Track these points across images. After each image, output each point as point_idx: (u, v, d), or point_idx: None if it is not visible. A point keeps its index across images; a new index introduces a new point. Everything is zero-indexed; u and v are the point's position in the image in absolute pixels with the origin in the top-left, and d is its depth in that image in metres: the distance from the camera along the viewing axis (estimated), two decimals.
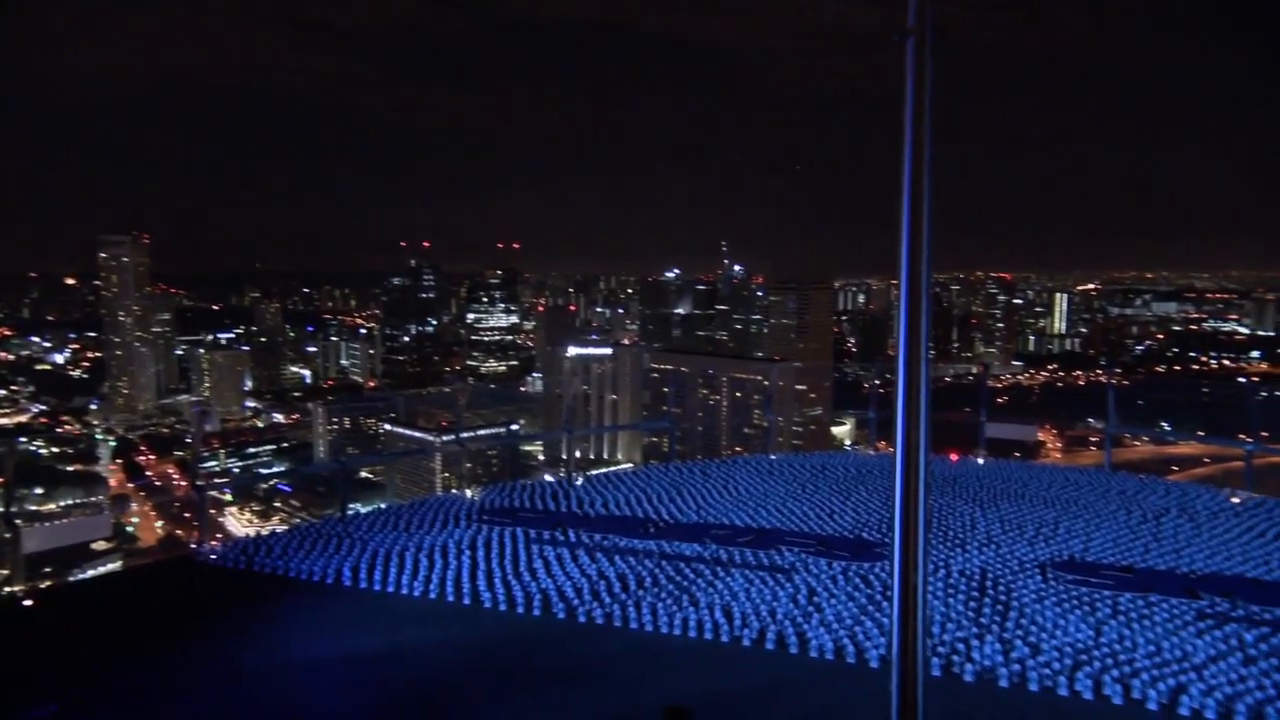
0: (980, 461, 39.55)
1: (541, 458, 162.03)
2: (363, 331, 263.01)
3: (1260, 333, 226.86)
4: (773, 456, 40.96)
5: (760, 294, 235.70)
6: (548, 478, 39.76)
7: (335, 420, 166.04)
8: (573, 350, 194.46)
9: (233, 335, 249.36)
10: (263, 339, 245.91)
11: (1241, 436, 37.04)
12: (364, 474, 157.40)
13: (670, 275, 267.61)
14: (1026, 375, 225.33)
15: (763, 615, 20.50)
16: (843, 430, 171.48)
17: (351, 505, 42.75)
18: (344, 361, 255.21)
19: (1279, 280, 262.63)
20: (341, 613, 21.56)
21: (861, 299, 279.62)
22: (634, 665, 18.45)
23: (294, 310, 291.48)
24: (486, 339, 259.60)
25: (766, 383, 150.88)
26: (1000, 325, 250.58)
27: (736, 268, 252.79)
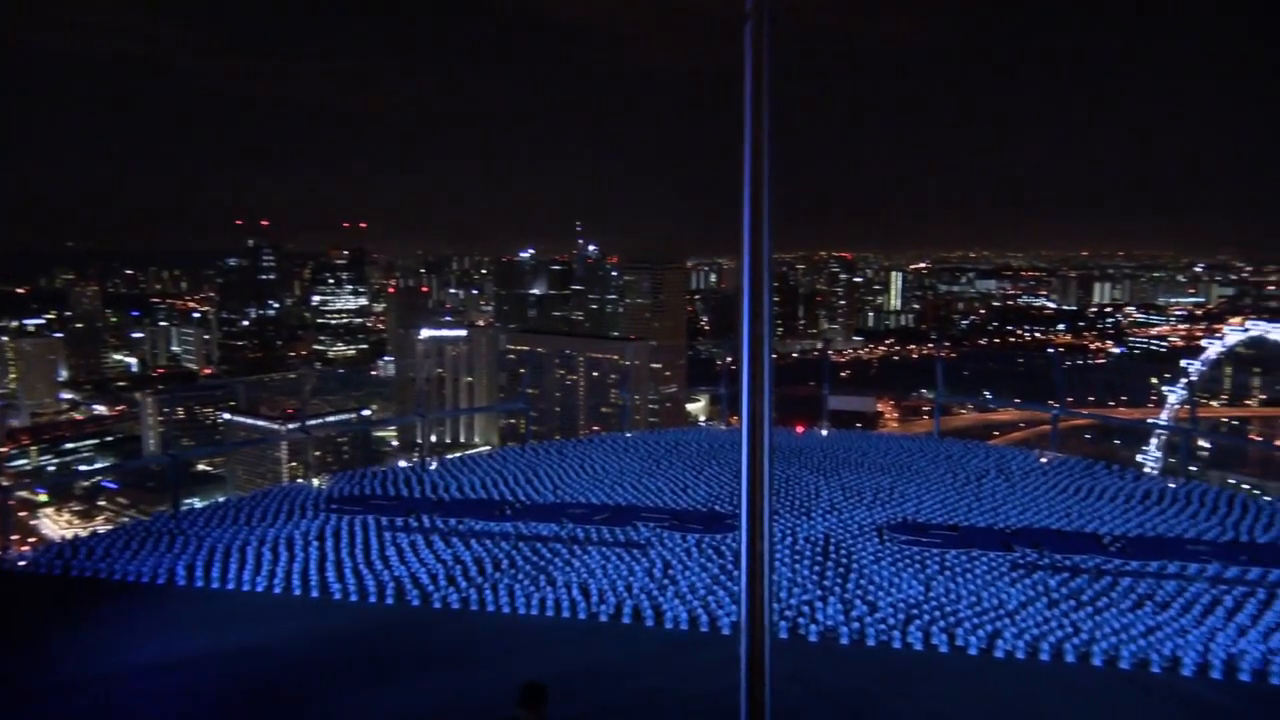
0: (824, 433, 41.57)
1: (395, 443, 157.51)
2: (196, 315, 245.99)
3: (1065, 307, 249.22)
4: (628, 434, 41.52)
5: (615, 274, 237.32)
6: (402, 463, 38.73)
7: (167, 411, 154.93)
8: (426, 332, 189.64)
9: (42, 321, 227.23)
10: (79, 325, 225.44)
11: (1050, 402, 40.61)
12: (201, 467, 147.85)
13: (525, 255, 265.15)
14: (867, 350, 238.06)
15: (619, 590, 20.85)
16: (697, 406, 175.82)
17: (187, 500, 40.13)
18: (175, 348, 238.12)
19: (1081, 259, 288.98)
20: (175, 614, 20.28)
21: (714, 278, 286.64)
22: (492, 647, 18.37)
23: (116, 293, 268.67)
24: (334, 322, 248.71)
25: (624, 362, 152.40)
26: (842, 303, 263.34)
27: (591, 248, 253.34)
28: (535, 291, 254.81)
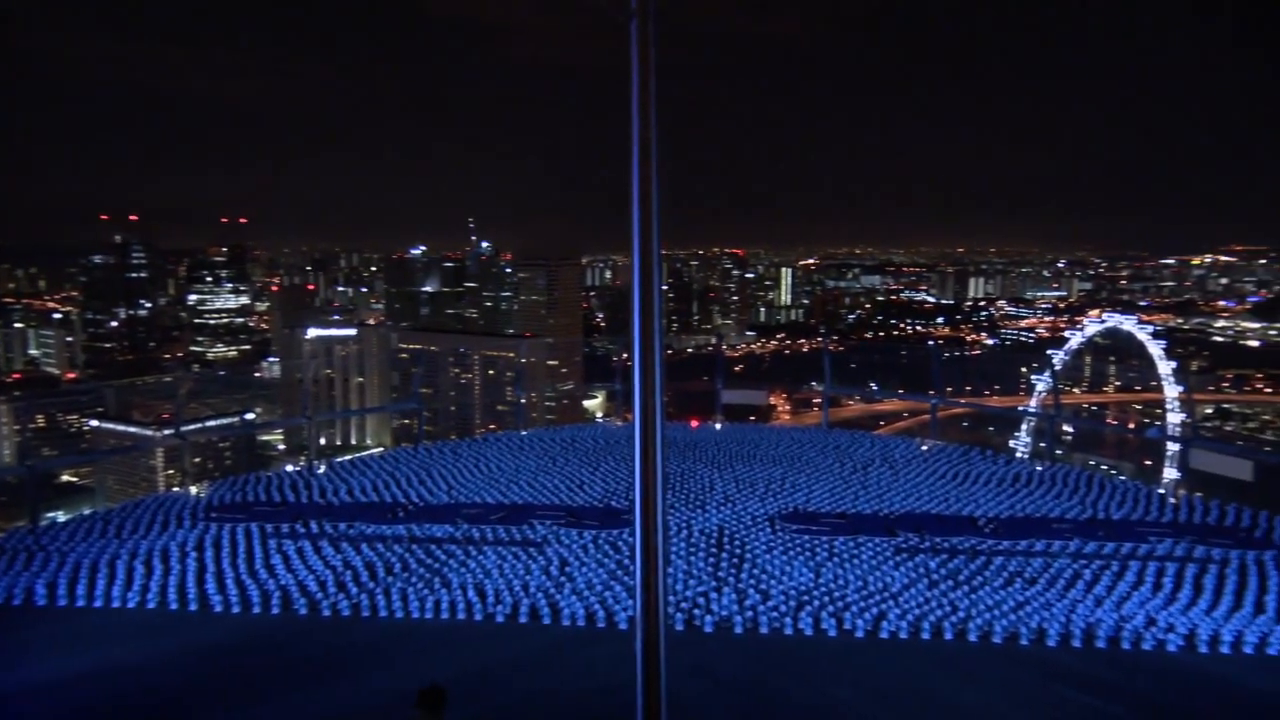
0: (718, 426, 42.30)
1: (282, 447, 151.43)
2: (57, 316, 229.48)
3: (943, 301, 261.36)
4: (524, 433, 41.20)
5: (509, 271, 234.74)
6: (289, 468, 37.30)
7: (24, 418, 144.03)
8: (313, 332, 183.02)
9: None
10: None
11: (931, 392, 42.53)
12: (66, 477, 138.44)
13: (416, 252, 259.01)
14: (759, 344, 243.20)
15: (515, 590, 20.70)
16: (594, 403, 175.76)
17: (49, 514, 37.49)
18: (33, 351, 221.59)
19: (957, 256, 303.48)
20: (36, 635, 18.94)
21: (609, 275, 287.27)
22: (385, 653, 17.93)
23: None
24: (213, 322, 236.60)
25: (519, 359, 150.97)
26: (735, 298, 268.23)
27: (484, 244, 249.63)
28: (427, 289, 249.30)
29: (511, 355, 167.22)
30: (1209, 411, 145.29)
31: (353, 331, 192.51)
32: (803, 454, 35.99)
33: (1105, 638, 18.42)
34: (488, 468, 33.82)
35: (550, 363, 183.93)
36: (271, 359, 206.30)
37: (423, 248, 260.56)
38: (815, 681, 16.88)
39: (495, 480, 31.82)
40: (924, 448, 37.37)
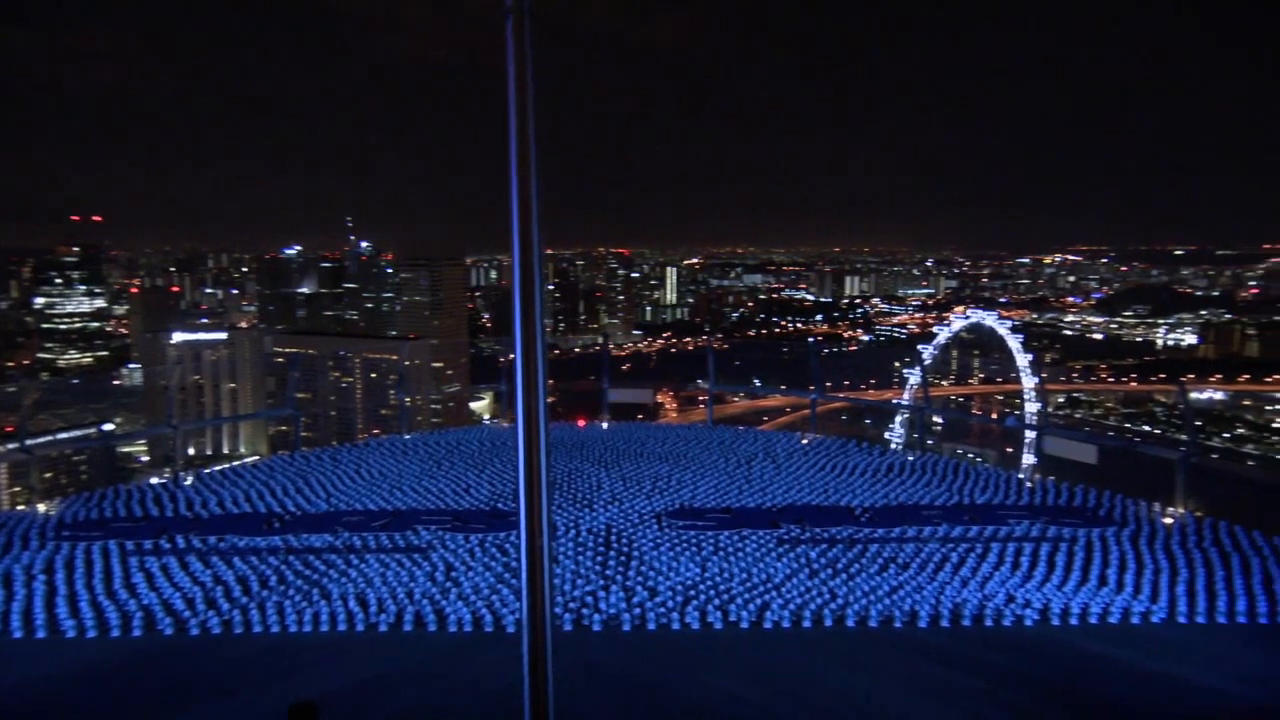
0: (605, 426, 42.48)
1: (146, 459, 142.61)
2: None
3: (822, 299, 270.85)
4: (407, 436, 40.24)
5: (390, 271, 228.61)
6: (153, 480, 35.15)
7: None
8: (179, 336, 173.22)
9: None
10: None
11: (811, 388, 43.96)
12: None
13: (291, 252, 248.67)
14: (646, 343, 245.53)
15: (399, 598, 20.21)
16: (481, 405, 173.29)
17: None
18: None
19: (834, 255, 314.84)
20: None
21: (494, 275, 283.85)
22: (258, 671, 17.16)
23: None
24: (64, 327, 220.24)
25: (402, 362, 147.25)
26: (621, 298, 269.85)
27: (363, 244, 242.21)
28: (304, 290, 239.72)
29: (394, 358, 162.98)
30: (1061, 400, 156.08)
31: (223, 335, 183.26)
32: (689, 451, 36.57)
33: (970, 616, 19.54)
34: (370, 473, 32.86)
35: (435, 364, 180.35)
36: (132, 365, 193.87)
37: (298, 247, 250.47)
38: (702, 674, 17.20)
39: (378, 486, 30.95)
40: (804, 441, 38.59)
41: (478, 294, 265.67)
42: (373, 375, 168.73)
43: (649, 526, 26.14)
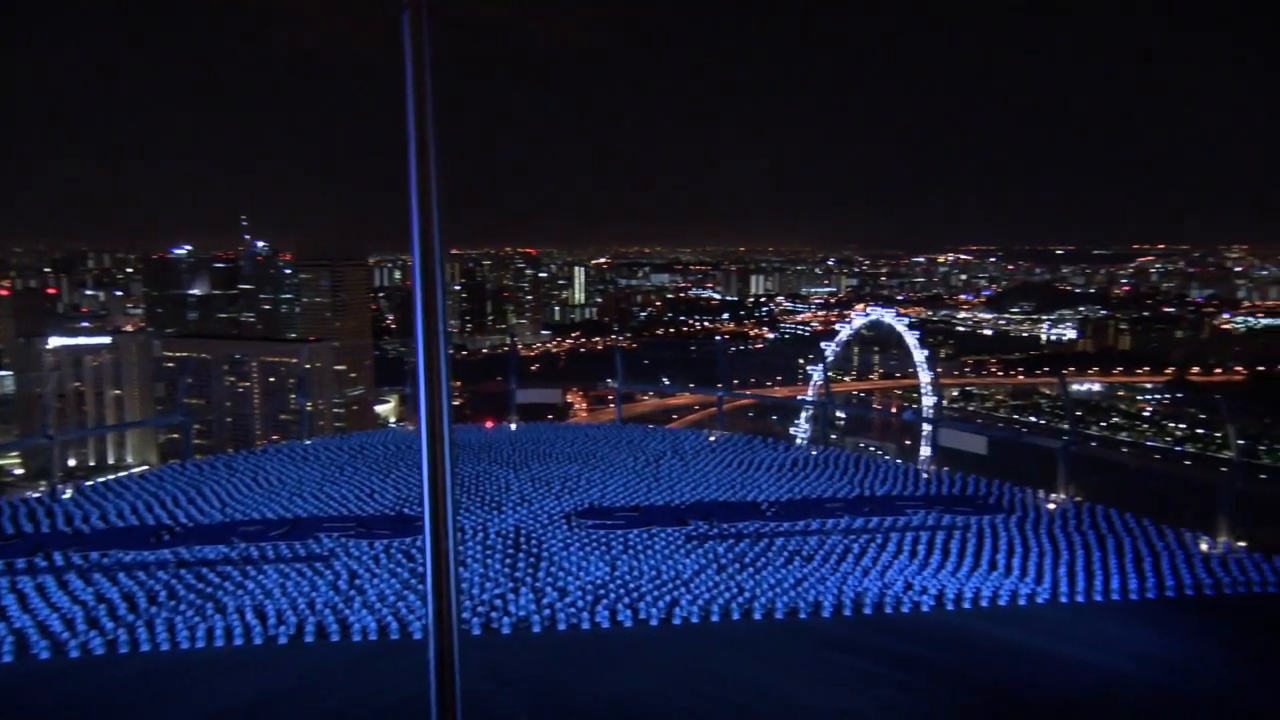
0: (513, 427, 42.11)
1: (20, 471, 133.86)
2: None
3: (728, 298, 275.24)
4: (308, 441, 38.97)
5: (289, 272, 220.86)
6: (29, 494, 33.02)
7: None
8: (56, 341, 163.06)
9: None
10: None
11: (719, 386, 44.61)
12: None
13: (180, 252, 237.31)
14: (555, 343, 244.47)
15: (300, 608, 19.56)
16: (387, 408, 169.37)
17: None
18: None
19: (739, 254, 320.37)
20: None
21: (398, 275, 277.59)
22: (145, 691, 16.33)
23: None
24: None
25: (302, 365, 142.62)
26: (529, 297, 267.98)
27: (259, 244, 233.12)
28: (195, 292, 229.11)
29: (294, 361, 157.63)
30: (955, 394, 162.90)
31: (106, 340, 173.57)
32: (598, 450, 36.60)
33: (871, 605, 20.21)
34: (268, 481, 31.69)
35: (338, 367, 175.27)
36: (3, 372, 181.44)
37: (188, 247, 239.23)
38: (612, 673, 17.26)
39: (276, 494, 29.87)
40: (712, 439, 39.14)
41: (381, 295, 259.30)
42: (271, 379, 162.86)
43: (558, 527, 26.06)
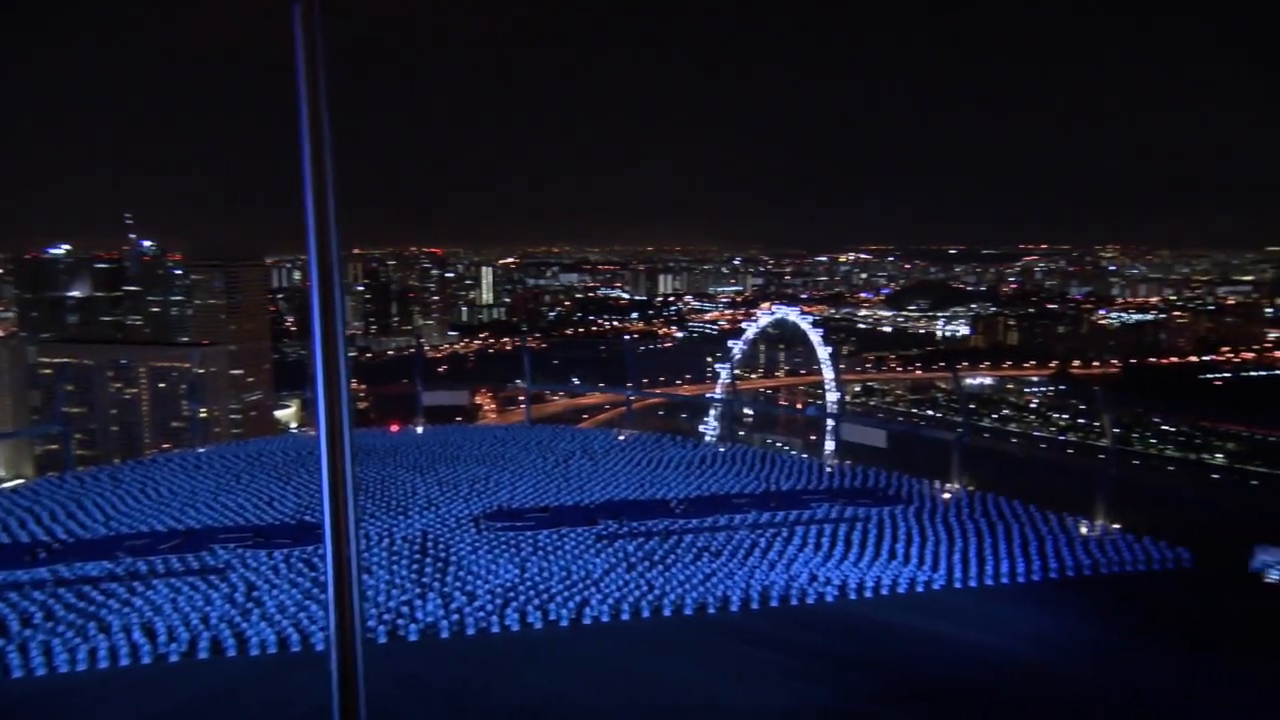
0: (420, 430, 41.30)
1: None
2: None
3: (637, 298, 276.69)
4: (201, 449, 37.32)
5: (179, 273, 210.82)
6: None
7: None
8: None
9: None
10: None
11: (629, 385, 44.79)
12: None
13: (57, 252, 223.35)
14: (463, 344, 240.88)
15: (193, 624, 18.71)
16: (287, 413, 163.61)
17: None
18: None
19: (648, 254, 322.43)
20: None
21: (297, 275, 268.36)
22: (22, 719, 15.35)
23: None
24: None
25: (196, 370, 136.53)
26: (435, 298, 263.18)
27: (145, 243, 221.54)
28: (75, 294, 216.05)
29: (186, 365, 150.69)
30: (858, 389, 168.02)
31: None
32: (506, 452, 36.26)
33: (778, 597, 20.66)
34: (158, 492, 30.19)
35: (234, 372, 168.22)
36: None
37: (65, 247, 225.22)
38: (522, 675, 17.14)
39: (167, 505, 28.48)
40: (621, 438, 39.29)
41: (280, 296, 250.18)
42: (161, 385, 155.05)
43: (466, 530, 25.70)
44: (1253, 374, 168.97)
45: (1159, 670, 17.72)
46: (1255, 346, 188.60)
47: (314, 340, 3.69)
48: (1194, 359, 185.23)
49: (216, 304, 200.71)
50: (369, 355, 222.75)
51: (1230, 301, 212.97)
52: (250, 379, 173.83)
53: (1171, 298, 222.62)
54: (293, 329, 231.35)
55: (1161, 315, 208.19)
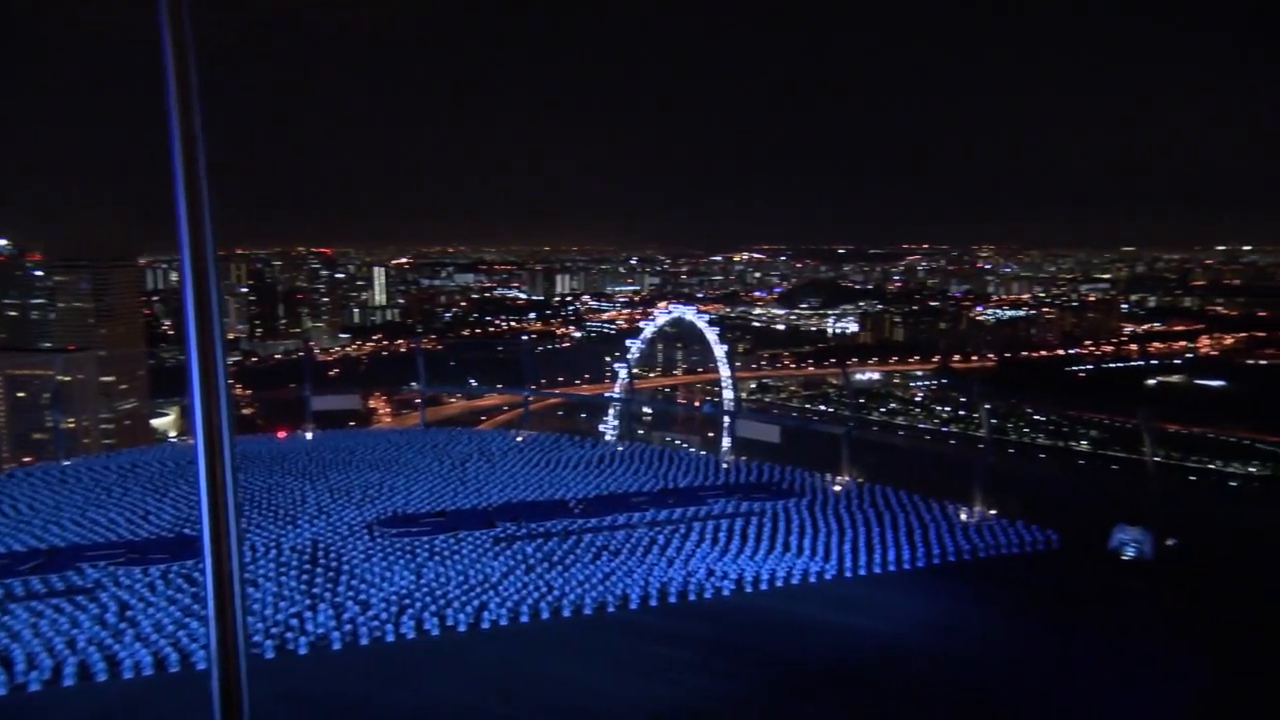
0: (309, 436, 39.88)
1: None
2: None
3: (534, 298, 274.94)
4: (66, 462, 34.99)
5: (40, 274, 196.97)
6: None
7: None
8: None
9: None
10: None
11: (532, 386, 44.42)
12: None
13: None
14: (355, 346, 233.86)
15: (57, 649, 17.50)
16: (166, 421, 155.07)
17: None
18: None
19: (545, 254, 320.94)
20: None
21: (174, 277, 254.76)
22: None
23: None
24: None
25: (60, 377, 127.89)
26: (325, 300, 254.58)
27: (0, 241, 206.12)
28: None
29: (49, 373, 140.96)
30: (753, 386, 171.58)
31: None
32: (401, 456, 35.43)
33: (676, 593, 20.90)
34: (16, 509, 28.12)
35: (105, 379, 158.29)
36: None
37: None
38: (419, 683, 16.79)
39: (27, 523, 26.55)
40: (519, 439, 38.95)
41: (155, 298, 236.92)
42: (21, 394, 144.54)
43: (359, 538, 24.98)
44: (1112, 365, 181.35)
45: (1033, 646, 18.82)
46: (1114, 340, 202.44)
47: (189, 344, 3.54)
48: (1060, 352, 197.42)
49: (83, 307, 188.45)
50: (255, 359, 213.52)
51: (1091, 298, 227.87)
52: (123, 386, 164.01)
53: (1041, 295, 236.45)
54: (170, 333, 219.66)
55: (1032, 311, 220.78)
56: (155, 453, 38.28)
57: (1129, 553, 24.49)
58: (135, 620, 18.92)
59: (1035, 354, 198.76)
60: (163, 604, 19.86)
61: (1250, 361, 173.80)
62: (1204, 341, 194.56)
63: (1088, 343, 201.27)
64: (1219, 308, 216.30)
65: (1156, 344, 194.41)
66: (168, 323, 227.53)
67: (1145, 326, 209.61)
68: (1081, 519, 27.06)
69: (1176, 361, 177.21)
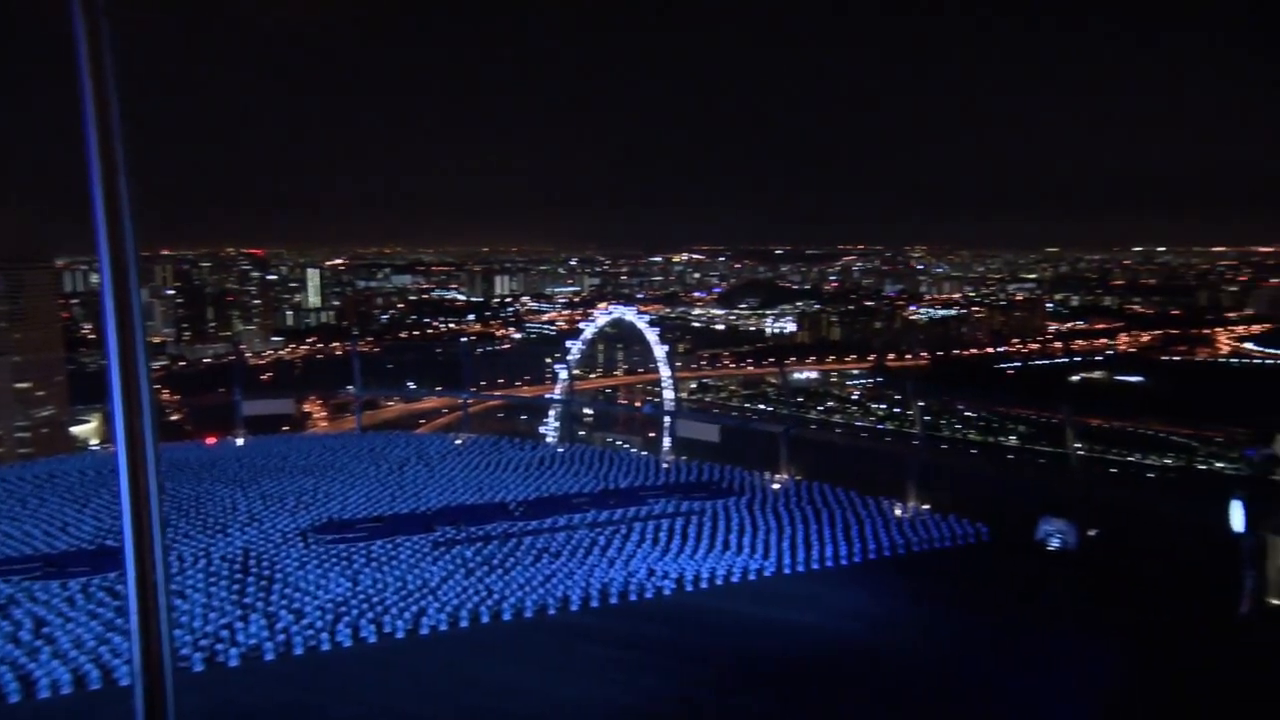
0: (240, 442, 38.79)
1: None
2: None
3: (473, 299, 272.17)
4: None
5: None
6: None
7: None
8: None
9: None
10: None
11: (471, 388, 43.96)
12: None
13: None
14: (289, 350, 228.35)
15: None
16: (87, 428, 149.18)
17: None
18: None
19: (483, 255, 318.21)
20: None
21: (94, 279, 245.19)
22: None
23: None
24: None
25: None
26: (257, 302, 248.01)
27: None
28: None
29: None
30: (694, 386, 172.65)
31: None
32: (336, 461, 34.73)
33: (617, 594, 20.91)
34: None
35: (19, 385, 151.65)
36: None
37: None
38: (355, 692, 16.48)
39: None
40: (458, 442, 38.51)
41: (74, 301, 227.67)
42: None
43: (293, 545, 24.40)
44: (1038, 363, 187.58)
45: (967, 636, 19.33)
46: (1039, 338, 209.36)
47: (109, 348, 3.45)
48: (990, 350, 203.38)
49: None
50: (183, 363, 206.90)
51: (1018, 297, 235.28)
52: (40, 393, 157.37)
53: (971, 294, 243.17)
54: (90, 337, 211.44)
55: (963, 311, 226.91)
56: (75, 461, 36.84)
57: (1054, 543, 25.35)
58: (53, 636, 18.16)
59: (966, 352, 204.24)
60: (83, 619, 19.12)
61: (1164, 357, 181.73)
62: (1123, 339, 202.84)
63: (1015, 341, 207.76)
64: (1136, 306, 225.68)
65: (1079, 341, 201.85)
66: (88, 326, 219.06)
67: (1068, 325, 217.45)
68: (1010, 512, 27.90)
69: (1098, 358, 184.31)
